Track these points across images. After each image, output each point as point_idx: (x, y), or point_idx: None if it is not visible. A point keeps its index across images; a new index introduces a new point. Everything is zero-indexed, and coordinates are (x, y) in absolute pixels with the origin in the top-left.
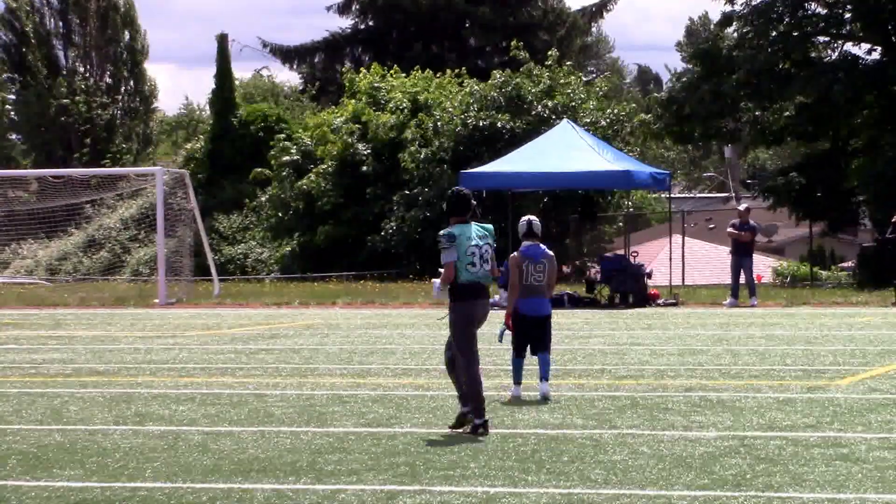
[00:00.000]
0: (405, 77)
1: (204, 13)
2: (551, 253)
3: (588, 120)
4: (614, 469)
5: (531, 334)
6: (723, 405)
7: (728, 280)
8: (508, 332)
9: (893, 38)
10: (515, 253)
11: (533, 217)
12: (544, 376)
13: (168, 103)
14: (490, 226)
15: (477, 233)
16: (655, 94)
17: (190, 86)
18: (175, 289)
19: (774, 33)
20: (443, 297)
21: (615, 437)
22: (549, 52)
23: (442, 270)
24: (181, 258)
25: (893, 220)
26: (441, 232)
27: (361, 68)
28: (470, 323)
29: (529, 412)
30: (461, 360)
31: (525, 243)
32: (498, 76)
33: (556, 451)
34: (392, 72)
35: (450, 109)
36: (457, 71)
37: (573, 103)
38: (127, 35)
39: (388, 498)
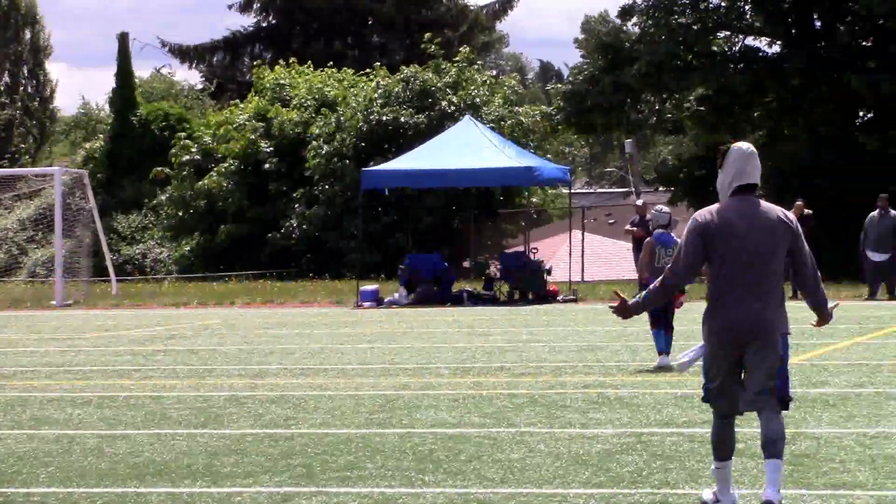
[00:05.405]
0: (313, 73)
1: (98, 11)
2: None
3: (493, 117)
4: (511, 468)
5: (664, 309)
6: (620, 402)
7: (631, 276)
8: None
9: (793, 31)
10: (650, 238)
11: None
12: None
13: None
14: None
15: None
16: (558, 85)
17: (83, 84)
18: (72, 290)
19: (675, 27)
20: None
21: (512, 436)
22: (461, 49)
23: None
24: (79, 259)
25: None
26: None
27: (271, 63)
28: None
29: (427, 412)
30: None
31: (658, 231)
32: (406, 71)
33: (453, 451)
34: (298, 68)
35: (353, 105)
36: (366, 70)
37: (477, 100)
38: (28, 34)
39: (283, 500)
